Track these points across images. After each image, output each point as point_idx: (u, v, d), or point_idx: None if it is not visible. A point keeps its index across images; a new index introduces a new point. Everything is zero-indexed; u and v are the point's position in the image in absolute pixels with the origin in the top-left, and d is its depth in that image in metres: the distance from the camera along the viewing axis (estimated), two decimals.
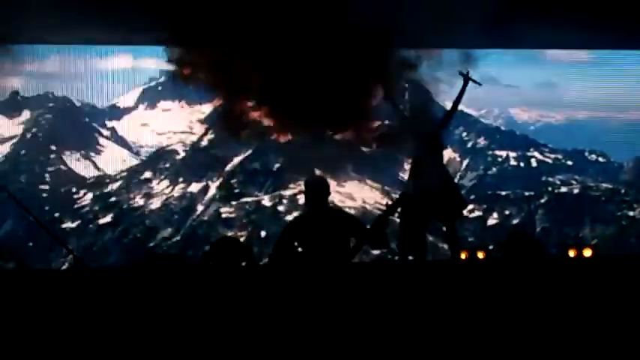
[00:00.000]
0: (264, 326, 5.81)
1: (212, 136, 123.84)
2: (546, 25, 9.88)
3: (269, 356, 5.73)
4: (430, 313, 5.99)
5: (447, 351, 5.82)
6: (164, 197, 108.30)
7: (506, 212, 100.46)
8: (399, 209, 7.92)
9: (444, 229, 9.25)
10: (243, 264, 7.23)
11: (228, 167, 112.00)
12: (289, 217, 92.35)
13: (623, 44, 11.57)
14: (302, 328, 5.72)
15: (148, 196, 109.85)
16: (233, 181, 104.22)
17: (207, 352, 5.77)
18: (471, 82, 9.50)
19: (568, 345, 5.83)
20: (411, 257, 9.27)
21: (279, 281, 6.15)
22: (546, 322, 5.81)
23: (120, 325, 6.14)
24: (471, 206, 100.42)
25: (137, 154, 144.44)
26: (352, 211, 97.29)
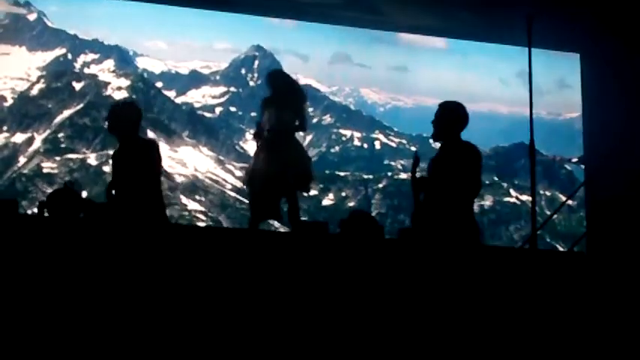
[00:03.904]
0: (102, 277, 5.70)
1: (43, 85, 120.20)
2: (403, 8, 9.97)
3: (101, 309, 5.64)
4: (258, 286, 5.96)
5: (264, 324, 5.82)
6: None
7: (343, 194, 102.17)
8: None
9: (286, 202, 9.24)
10: (81, 215, 7.03)
11: (57, 120, 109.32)
12: None
13: (477, 35, 11.84)
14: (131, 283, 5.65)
15: None
16: (60, 135, 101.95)
17: (34, 300, 5.62)
18: None
19: (399, 326, 5.95)
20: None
21: (116, 235, 6.01)
22: (381, 305, 5.90)
23: None
24: None
25: None
26: (182, 179, 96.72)
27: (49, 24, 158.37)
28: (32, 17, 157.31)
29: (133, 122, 7.34)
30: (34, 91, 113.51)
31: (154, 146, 7.48)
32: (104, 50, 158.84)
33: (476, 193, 7.03)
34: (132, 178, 7.23)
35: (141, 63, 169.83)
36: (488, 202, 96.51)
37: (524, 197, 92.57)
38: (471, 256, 6.48)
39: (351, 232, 6.91)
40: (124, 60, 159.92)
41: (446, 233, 6.73)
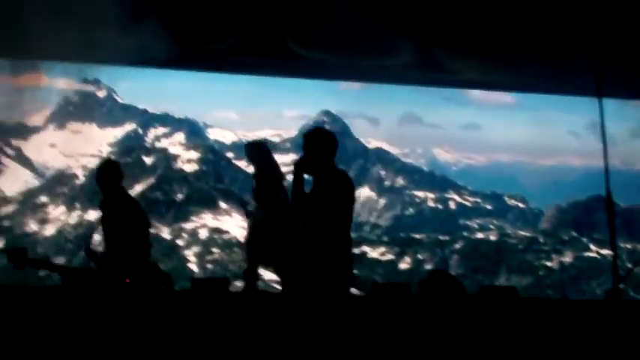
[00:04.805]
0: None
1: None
2: (472, 65, 9.98)
3: None
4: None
5: None
6: (59, 223, 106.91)
7: (420, 257, 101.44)
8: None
9: None
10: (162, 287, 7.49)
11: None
12: (188, 252, 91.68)
13: (546, 88, 11.79)
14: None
15: (43, 221, 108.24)
16: None
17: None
18: None
19: None
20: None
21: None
22: None
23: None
24: (382, 249, 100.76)
25: (42, 175, 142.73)
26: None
27: (119, 100, 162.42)
28: (102, 94, 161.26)
29: (113, 179, 7.72)
30: None
31: (132, 201, 7.85)
32: (174, 123, 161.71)
33: (347, 224, 6.26)
34: (116, 232, 7.65)
35: (211, 134, 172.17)
36: (567, 258, 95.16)
37: (605, 251, 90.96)
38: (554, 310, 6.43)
39: (432, 291, 6.87)
40: (194, 132, 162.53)
41: (316, 272, 6.29)
